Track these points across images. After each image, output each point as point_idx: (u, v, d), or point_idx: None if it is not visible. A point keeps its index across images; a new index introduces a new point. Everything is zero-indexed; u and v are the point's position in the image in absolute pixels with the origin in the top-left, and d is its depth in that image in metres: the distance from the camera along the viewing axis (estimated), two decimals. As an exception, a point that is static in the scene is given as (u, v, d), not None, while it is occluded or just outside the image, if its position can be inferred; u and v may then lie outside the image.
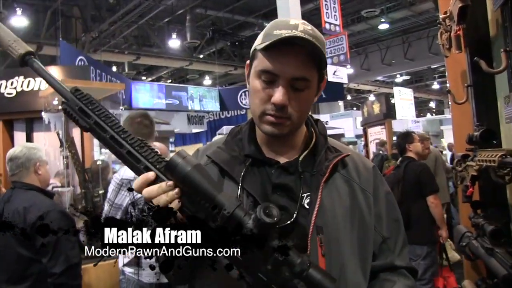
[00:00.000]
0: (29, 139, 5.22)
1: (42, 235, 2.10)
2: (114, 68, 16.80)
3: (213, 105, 15.86)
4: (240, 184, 1.04)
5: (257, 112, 1.03)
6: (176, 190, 0.83)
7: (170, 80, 20.59)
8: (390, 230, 1.12)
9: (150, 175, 0.85)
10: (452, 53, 2.08)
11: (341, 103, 20.36)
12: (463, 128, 2.14)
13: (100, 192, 3.45)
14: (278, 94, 0.97)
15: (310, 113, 1.17)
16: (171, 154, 1.00)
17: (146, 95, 14.38)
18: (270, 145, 1.11)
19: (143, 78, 19.58)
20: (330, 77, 11.18)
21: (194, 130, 16.41)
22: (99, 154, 6.17)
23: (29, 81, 5.30)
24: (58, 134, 3.90)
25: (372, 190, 1.11)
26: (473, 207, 1.95)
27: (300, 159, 1.07)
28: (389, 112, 9.88)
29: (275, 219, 0.78)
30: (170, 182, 0.83)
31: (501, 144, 1.84)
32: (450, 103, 2.38)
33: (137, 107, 13.75)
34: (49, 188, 3.54)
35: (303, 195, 1.04)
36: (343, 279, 0.99)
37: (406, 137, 4.34)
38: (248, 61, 1.08)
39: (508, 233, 1.79)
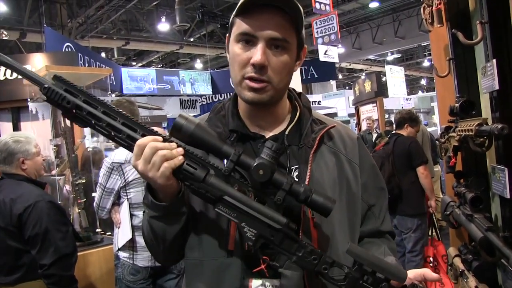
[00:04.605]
0: (16, 129, 5.05)
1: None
2: (103, 54, 16.57)
3: (205, 89, 15.76)
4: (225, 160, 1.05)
5: (237, 78, 1.03)
6: (180, 148, 0.93)
7: (161, 65, 20.39)
8: (376, 198, 1.17)
9: (158, 138, 0.93)
10: (434, 28, 2.11)
11: (333, 82, 20.34)
12: (446, 100, 2.18)
13: (80, 181, 3.42)
14: (257, 54, 0.98)
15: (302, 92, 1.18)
16: None
17: (137, 80, 14.24)
18: (254, 119, 1.10)
19: (133, 63, 19.35)
20: (322, 57, 11.12)
21: (187, 115, 16.32)
22: (91, 142, 6.14)
23: (12, 70, 5.17)
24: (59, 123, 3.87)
25: (358, 160, 1.14)
26: (456, 176, 2.01)
27: (286, 133, 1.08)
28: (381, 90, 9.83)
29: (282, 149, 0.94)
30: (174, 143, 0.94)
31: (481, 115, 1.89)
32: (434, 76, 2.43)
33: (128, 93, 13.64)
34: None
35: (291, 168, 1.05)
36: (333, 249, 1.03)
37: (412, 119, 4.39)
38: (227, 34, 1.08)
39: (487, 199, 1.85)
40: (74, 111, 0.93)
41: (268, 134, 1.10)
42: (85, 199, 3.38)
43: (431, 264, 3.84)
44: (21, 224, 2.28)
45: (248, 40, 1.00)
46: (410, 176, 4.12)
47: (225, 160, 0.96)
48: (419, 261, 4.06)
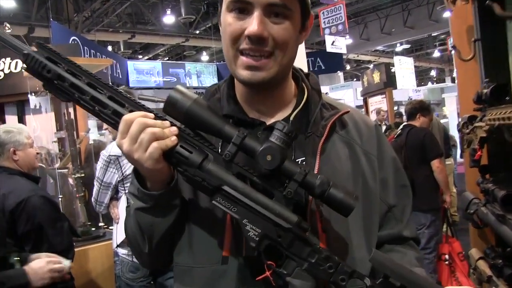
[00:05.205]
0: (21, 122, 4.98)
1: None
2: (110, 48, 16.52)
3: (211, 81, 15.64)
4: (219, 149, 0.89)
5: (230, 53, 0.87)
6: (174, 127, 0.80)
7: (167, 58, 20.30)
8: (398, 197, 1.00)
9: (149, 114, 0.79)
10: (456, 7, 1.93)
11: (341, 74, 20.07)
12: (469, 87, 1.99)
13: (78, 175, 3.31)
14: (253, 24, 0.81)
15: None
16: None
17: (143, 73, 14.19)
18: (253, 103, 0.95)
19: (140, 56, 19.30)
20: (329, 48, 10.98)
21: (193, 107, 16.29)
22: (96, 134, 6.03)
23: (16, 62, 5.11)
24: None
25: (376, 152, 0.98)
26: (482, 171, 1.83)
27: (291, 119, 0.91)
28: (390, 81, 9.65)
29: (295, 133, 0.78)
30: (167, 122, 0.80)
31: (512, 102, 1.70)
32: (453, 65, 2.23)
33: (134, 86, 13.58)
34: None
35: (296, 160, 0.90)
36: (346, 256, 0.89)
37: (424, 108, 4.21)
38: (219, 5, 0.92)
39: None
40: (56, 82, 0.81)
41: (269, 121, 0.94)
42: (83, 194, 3.28)
43: (446, 262, 3.72)
44: (14, 220, 2.21)
45: (242, 9, 0.83)
46: (423, 170, 3.94)
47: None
48: (432, 259, 3.91)
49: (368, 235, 0.94)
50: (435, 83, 26.54)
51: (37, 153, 2.50)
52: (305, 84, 0.98)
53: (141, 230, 0.88)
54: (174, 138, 0.79)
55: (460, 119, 2.09)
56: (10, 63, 5.16)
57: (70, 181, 3.80)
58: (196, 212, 0.90)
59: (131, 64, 14.08)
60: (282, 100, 0.96)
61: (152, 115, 0.80)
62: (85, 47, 9.51)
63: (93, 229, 3.32)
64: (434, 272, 3.87)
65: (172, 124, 0.81)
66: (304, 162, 0.89)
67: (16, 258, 1.86)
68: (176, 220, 0.88)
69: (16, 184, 2.30)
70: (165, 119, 0.81)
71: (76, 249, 2.55)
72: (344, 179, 0.91)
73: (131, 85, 13.59)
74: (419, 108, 4.20)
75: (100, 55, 10.20)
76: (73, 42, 8.98)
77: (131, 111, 0.81)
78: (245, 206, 0.78)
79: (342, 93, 16.94)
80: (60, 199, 3.42)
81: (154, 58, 19.21)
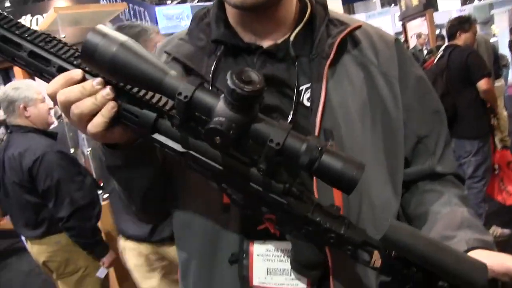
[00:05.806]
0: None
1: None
2: (137, -4, 16.27)
3: (242, 20, 15.30)
4: (211, 82, 0.77)
5: None
6: (108, 89, 0.60)
7: (197, 0, 19.86)
8: (428, 125, 0.84)
9: (75, 73, 0.61)
10: None
11: (377, 0, 18.99)
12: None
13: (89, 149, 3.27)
14: None
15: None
16: None
17: (172, 18, 13.97)
18: (247, 24, 0.80)
19: (169, 2, 18.95)
20: (362, -28, 10.32)
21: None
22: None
23: (37, 19, 5.02)
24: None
25: (397, 73, 0.81)
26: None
27: (291, 39, 0.78)
28: (429, 2, 8.99)
29: (258, 86, 0.53)
30: (98, 79, 0.60)
31: None
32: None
33: (165, 32, 13.42)
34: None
35: (300, 88, 0.77)
36: (366, 198, 0.76)
37: (462, 23, 3.79)
38: None
39: None
40: None
41: (267, 44, 0.80)
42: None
43: (496, 172, 3.60)
44: (33, 178, 2.20)
45: None
46: (469, 93, 3.57)
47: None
48: (481, 188, 3.67)
49: (392, 171, 0.80)
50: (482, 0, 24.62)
51: (50, 108, 2.44)
52: None
53: (121, 186, 0.78)
54: (111, 105, 0.60)
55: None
56: (31, 20, 5.09)
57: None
58: None
59: (159, 10, 13.86)
60: (282, 19, 0.80)
61: (79, 73, 0.61)
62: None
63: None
64: (483, 202, 3.66)
65: (107, 82, 0.61)
66: (309, 90, 0.76)
67: None
68: (157, 175, 0.77)
69: (31, 142, 2.27)
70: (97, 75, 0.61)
71: (103, 203, 2.57)
72: (358, 108, 0.77)
73: (162, 32, 13.42)
74: (457, 24, 3.77)
75: (127, 5, 10.04)
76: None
77: (59, 69, 0.62)
78: (219, 172, 0.61)
79: (379, 20, 16.11)
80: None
81: (183, 2, 18.83)
